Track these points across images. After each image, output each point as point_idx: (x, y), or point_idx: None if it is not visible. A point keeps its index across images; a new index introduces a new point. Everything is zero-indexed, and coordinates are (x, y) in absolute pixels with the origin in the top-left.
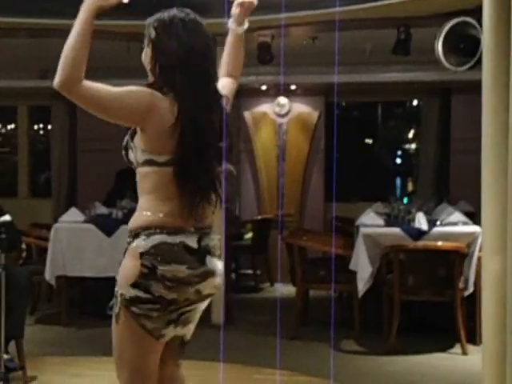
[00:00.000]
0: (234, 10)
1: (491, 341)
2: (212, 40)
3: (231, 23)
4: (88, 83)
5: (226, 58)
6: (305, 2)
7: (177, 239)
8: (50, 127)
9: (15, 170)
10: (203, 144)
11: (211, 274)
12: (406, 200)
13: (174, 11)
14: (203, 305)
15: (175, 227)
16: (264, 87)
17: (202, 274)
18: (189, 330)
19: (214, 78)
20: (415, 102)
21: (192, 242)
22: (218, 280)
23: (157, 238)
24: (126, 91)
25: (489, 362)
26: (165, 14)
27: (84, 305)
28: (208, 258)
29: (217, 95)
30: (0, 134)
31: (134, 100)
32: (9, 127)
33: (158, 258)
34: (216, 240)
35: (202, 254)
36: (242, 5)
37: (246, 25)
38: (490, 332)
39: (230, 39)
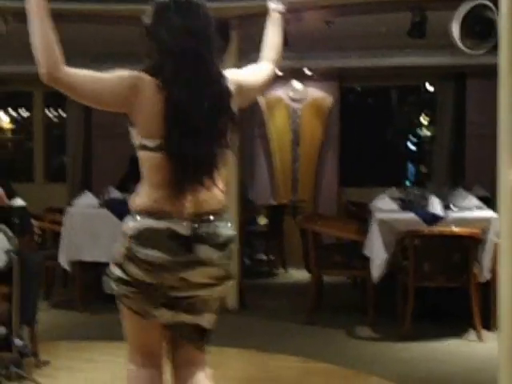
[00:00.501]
0: None
1: (507, 326)
2: (211, 22)
3: (270, 1)
4: (72, 70)
5: (264, 41)
6: None
7: (163, 225)
8: (65, 113)
9: (30, 155)
10: (189, 129)
11: (200, 262)
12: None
13: None
14: (211, 294)
15: (164, 212)
16: (279, 72)
17: (186, 262)
18: (203, 319)
19: (209, 62)
20: (430, 88)
21: (182, 228)
22: (213, 270)
23: (144, 223)
24: (110, 76)
25: (505, 348)
26: None
27: (98, 290)
28: (198, 246)
29: (211, 79)
30: (15, 120)
31: (118, 85)
32: (24, 114)
33: (139, 241)
34: (220, 228)
35: (191, 241)
36: None
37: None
38: (506, 318)
39: (268, 19)
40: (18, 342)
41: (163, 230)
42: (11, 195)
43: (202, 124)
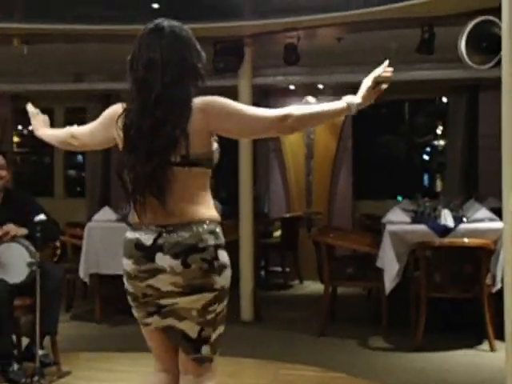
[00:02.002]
0: (366, 84)
1: None
2: (162, 53)
3: (350, 98)
4: (80, 133)
5: (313, 111)
6: (330, 4)
7: (133, 235)
8: None
9: (36, 169)
10: (132, 147)
11: (161, 270)
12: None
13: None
14: (188, 302)
15: (136, 224)
16: (292, 87)
17: (149, 270)
18: (186, 326)
19: (158, 87)
20: (443, 99)
21: (147, 238)
22: (175, 278)
23: (126, 235)
24: (97, 122)
25: None
26: None
27: (117, 302)
28: (159, 255)
29: (160, 103)
30: (21, 134)
31: (103, 127)
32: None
33: (123, 252)
34: (180, 238)
35: (152, 251)
36: (376, 82)
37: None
38: None
39: (331, 107)
40: (40, 352)
41: (132, 240)
42: (37, 211)
43: (141, 142)
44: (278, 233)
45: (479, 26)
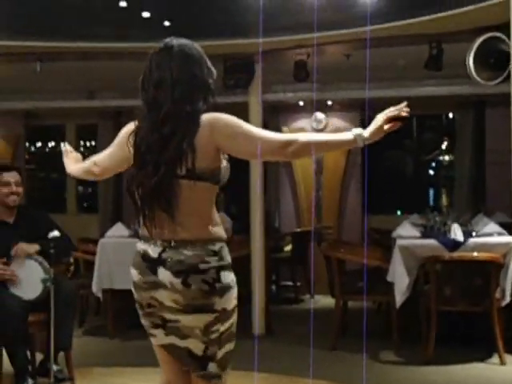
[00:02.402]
0: (378, 120)
1: None
2: (172, 71)
3: (359, 131)
4: (100, 161)
5: (318, 140)
6: (338, 21)
7: (142, 246)
8: (95, 144)
9: (44, 186)
10: (141, 163)
11: (162, 285)
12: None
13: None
14: (190, 321)
15: (145, 237)
16: (301, 103)
17: (151, 283)
18: (190, 344)
19: (167, 104)
20: (450, 115)
21: (154, 251)
22: (176, 296)
23: (136, 246)
24: (113, 145)
25: None
26: None
27: (130, 317)
28: (161, 269)
29: (168, 118)
30: (29, 152)
31: (119, 148)
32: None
33: (132, 262)
34: (182, 256)
35: (156, 264)
36: (388, 120)
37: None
38: None
39: (338, 138)
40: (54, 367)
41: (140, 252)
42: (51, 227)
43: (150, 157)
44: (288, 247)
45: (487, 42)
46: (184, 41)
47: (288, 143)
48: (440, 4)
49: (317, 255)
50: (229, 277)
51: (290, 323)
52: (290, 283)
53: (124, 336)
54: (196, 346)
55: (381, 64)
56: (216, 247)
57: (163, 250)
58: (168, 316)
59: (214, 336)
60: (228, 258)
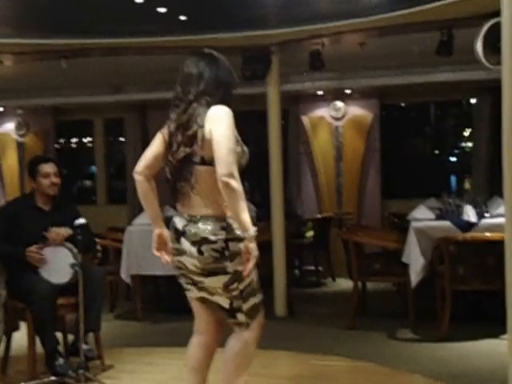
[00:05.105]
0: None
1: None
2: (199, 68)
3: (252, 232)
4: (154, 168)
5: (235, 204)
6: (352, 11)
7: (174, 219)
8: (124, 139)
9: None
10: (169, 146)
11: (183, 252)
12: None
13: None
14: (210, 282)
15: (178, 211)
16: (320, 92)
17: (176, 249)
18: (218, 299)
19: (183, 102)
20: (471, 100)
21: (180, 224)
22: (194, 261)
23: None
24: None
25: None
26: None
27: (158, 301)
28: (182, 239)
29: (186, 111)
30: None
31: (157, 137)
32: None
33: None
34: (198, 229)
35: (180, 234)
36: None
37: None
38: None
39: (243, 219)
40: (84, 347)
41: (173, 223)
42: (77, 216)
43: (172, 141)
44: (310, 233)
45: (495, 27)
46: (213, 51)
47: (225, 183)
48: None
49: (338, 240)
50: (237, 246)
51: (311, 305)
52: (313, 268)
53: (152, 319)
54: (223, 300)
55: (394, 51)
56: (225, 223)
57: (186, 224)
58: (195, 278)
59: (234, 293)
60: (236, 232)
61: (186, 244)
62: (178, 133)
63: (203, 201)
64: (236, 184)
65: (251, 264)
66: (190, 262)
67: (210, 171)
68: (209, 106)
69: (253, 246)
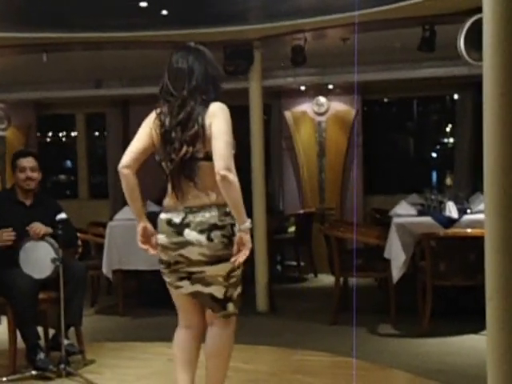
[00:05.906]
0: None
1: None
2: (188, 63)
3: (248, 225)
4: (136, 159)
5: (233, 199)
6: (334, 6)
7: (166, 215)
8: (106, 133)
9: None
10: (166, 142)
11: (188, 243)
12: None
13: None
14: (214, 270)
15: (168, 206)
16: (303, 88)
17: (179, 243)
18: (213, 290)
19: (181, 95)
20: (454, 96)
21: (177, 217)
22: (203, 250)
23: (160, 216)
24: (140, 132)
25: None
26: None
27: (139, 296)
28: (187, 230)
29: (183, 107)
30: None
31: (147, 134)
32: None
33: (157, 229)
34: (203, 218)
35: (181, 227)
36: None
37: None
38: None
39: (239, 211)
40: (65, 341)
41: (165, 220)
42: (58, 210)
43: (171, 138)
44: (292, 228)
45: (477, 23)
46: (199, 44)
47: (222, 176)
48: None
49: (320, 236)
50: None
51: (292, 301)
52: (295, 263)
53: (133, 314)
54: (218, 290)
55: (377, 47)
56: (227, 209)
57: (185, 216)
58: (194, 269)
59: (232, 280)
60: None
61: (192, 234)
62: (178, 130)
63: (205, 192)
64: (233, 177)
65: (244, 255)
66: (198, 252)
67: (213, 165)
68: (206, 104)
69: (248, 237)
